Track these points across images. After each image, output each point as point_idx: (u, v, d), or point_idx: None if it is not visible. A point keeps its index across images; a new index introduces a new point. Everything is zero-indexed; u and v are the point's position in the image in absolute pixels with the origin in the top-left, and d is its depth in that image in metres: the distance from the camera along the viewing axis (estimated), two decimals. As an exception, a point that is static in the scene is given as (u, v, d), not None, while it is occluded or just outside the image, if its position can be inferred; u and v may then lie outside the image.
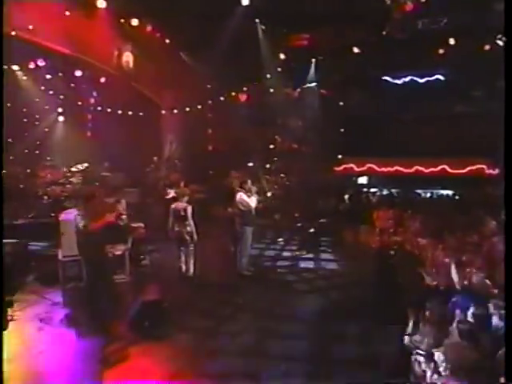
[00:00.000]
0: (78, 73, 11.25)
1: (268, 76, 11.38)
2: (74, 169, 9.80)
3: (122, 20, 10.02)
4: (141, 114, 12.52)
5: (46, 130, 13.11)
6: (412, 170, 14.40)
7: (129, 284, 5.96)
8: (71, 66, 11.17)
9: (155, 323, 4.66)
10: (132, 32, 10.50)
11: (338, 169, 14.67)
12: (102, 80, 11.91)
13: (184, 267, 6.19)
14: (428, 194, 14.06)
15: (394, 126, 13.29)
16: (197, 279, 6.14)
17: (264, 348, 4.34)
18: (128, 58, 10.98)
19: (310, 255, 7.86)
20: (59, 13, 8.52)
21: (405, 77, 14.76)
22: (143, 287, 5.74)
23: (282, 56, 11.93)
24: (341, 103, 11.80)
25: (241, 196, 6.29)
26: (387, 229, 8.39)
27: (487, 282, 4.26)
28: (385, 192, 13.83)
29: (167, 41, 11.13)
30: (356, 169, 14.96)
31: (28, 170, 9.83)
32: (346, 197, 11.97)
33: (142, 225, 6.64)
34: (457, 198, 12.57)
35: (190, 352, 4.25)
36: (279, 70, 11.64)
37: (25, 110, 12.48)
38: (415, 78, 14.73)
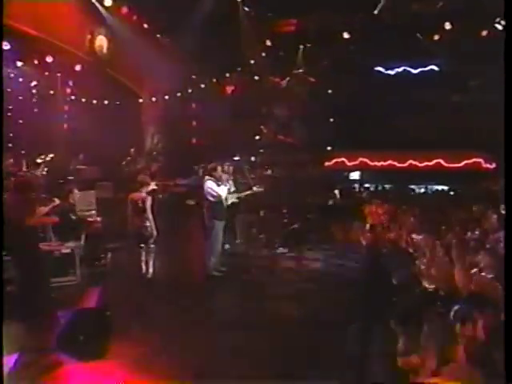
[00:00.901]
0: (49, 59, 10.28)
1: (252, 62, 10.46)
2: (38, 160, 8.89)
3: (94, 0, 9.08)
4: (117, 103, 11.57)
5: (21, 121, 12.12)
6: (406, 164, 13.59)
7: (77, 287, 5.07)
8: (42, 51, 10.21)
9: (92, 337, 3.74)
10: (106, 14, 9.59)
11: (328, 163, 13.89)
12: (78, 68, 10.96)
13: (144, 267, 5.28)
14: (422, 190, 13.32)
15: (387, 118, 12.47)
16: (157, 282, 5.23)
17: (227, 369, 3.44)
18: (102, 42, 10.05)
19: (292, 254, 6.98)
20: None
21: (398, 67, 13.98)
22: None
23: (268, 42, 11.05)
24: (329, 91, 10.91)
25: (209, 185, 5.37)
26: (379, 225, 7.63)
27: (498, 285, 3.38)
28: (377, 187, 13.09)
29: (144, 24, 10.21)
30: (348, 163, 14.17)
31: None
32: (337, 192, 11.17)
33: (98, 219, 5.73)
34: (452, 193, 11.84)
35: (135, 372, 3.35)
36: (264, 56, 10.75)
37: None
38: (408, 69, 13.98)
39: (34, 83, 11.23)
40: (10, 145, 9.28)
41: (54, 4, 8.63)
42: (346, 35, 10.75)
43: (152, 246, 5.22)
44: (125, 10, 9.84)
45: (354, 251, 6.65)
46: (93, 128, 11.21)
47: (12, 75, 10.95)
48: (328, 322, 4.27)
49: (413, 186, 13.22)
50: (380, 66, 13.07)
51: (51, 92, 11.36)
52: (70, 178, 8.56)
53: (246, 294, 5.06)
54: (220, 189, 5.40)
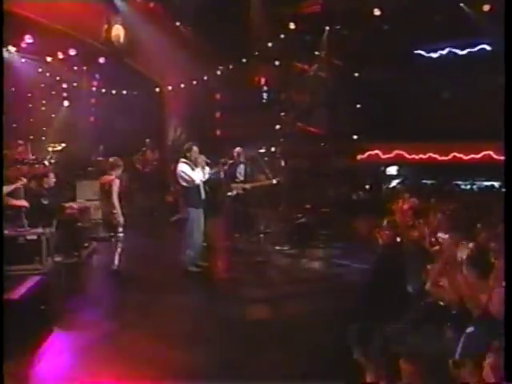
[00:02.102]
0: (73, 52, 10.29)
1: (269, 45, 9.63)
2: (49, 149, 8.88)
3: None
4: (135, 93, 11.35)
5: (53, 115, 12.43)
6: (449, 157, 11.97)
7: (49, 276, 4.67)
8: (66, 46, 10.25)
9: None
10: (121, 3, 9.34)
11: (361, 156, 12.66)
12: (101, 60, 10.91)
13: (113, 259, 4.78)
14: (468, 186, 11.68)
15: (428, 105, 11.00)
16: (124, 275, 4.68)
17: None
18: (118, 31, 9.81)
19: (293, 251, 6.12)
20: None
21: (442, 49, 12.34)
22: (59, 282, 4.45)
23: (291, 25, 10.16)
24: (356, 75, 9.76)
25: (182, 168, 4.72)
26: (401, 221, 6.56)
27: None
28: (416, 182, 11.67)
29: (162, 11, 9.83)
30: (382, 156, 12.82)
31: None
32: (367, 186, 10.08)
33: (74, 205, 5.33)
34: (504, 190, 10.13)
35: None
36: (286, 39, 9.90)
37: (29, 94, 11.87)
38: (454, 50, 12.27)
39: (58, 77, 11.32)
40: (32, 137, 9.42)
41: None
42: (376, 12, 9.53)
43: (120, 234, 4.69)
44: (141, -3, 9.56)
45: (366, 250, 5.69)
46: (112, 119, 11.16)
47: (40, 69, 11.21)
48: (303, 329, 3.45)
49: (459, 182, 11.70)
50: (420, 48, 11.59)
51: (74, 84, 11.42)
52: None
53: (219, 294, 4.36)
54: (195, 173, 4.73)
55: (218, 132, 12.46)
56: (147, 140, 10.42)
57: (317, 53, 9.93)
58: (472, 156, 11.18)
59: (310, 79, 10.34)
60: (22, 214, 5.01)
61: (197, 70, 10.50)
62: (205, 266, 5.00)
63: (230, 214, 6.99)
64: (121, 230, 4.69)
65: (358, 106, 9.82)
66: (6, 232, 4.57)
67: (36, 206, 4.96)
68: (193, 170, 4.77)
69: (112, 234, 4.76)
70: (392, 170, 13.00)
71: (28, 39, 9.57)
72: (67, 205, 5.36)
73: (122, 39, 10.08)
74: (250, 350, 3.25)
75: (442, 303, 3.15)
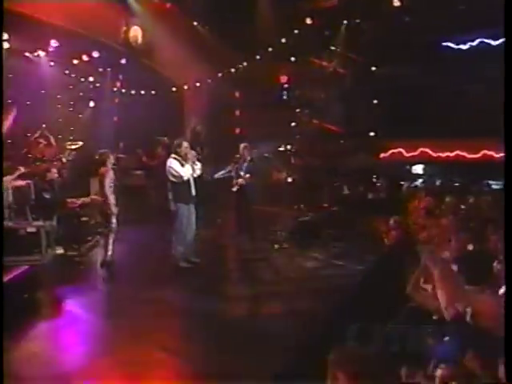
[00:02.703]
0: (96, 54, 10.73)
1: (285, 41, 9.51)
2: (69, 147, 9.32)
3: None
4: (153, 92, 11.64)
5: (80, 116, 13.04)
6: (479, 155, 11.25)
7: (41, 267, 4.90)
8: (89, 48, 10.69)
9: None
10: (137, 5, 9.63)
11: (384, 154, 12.22)
12: (123, 61, 11.29)
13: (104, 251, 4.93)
14: (500, 185, 10.92)
15: (451, 100, 10.42)
16: (117, 267, 4.81)
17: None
18: (136, 32, 10.13)
19: (292, 249, 6.00)
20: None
21: (472, 40, 11.60)
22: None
23: (308, 20, 9.99)
24: (374, 69, 9.41)
25: (170, 164, 4.77)
26: (418, 222, 6.33)
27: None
28: (441, 182, 11.09)
29: (177, 11, 10.02)
30: (405, 154, 12.29)
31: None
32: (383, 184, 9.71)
33: (75, 201, 5.54)
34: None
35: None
36: (301, 34, 9.75)
37: (59, 96, 12.50)
38: (486, 41, 11.49)
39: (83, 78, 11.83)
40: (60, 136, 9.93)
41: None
42: (396, 2, 9.16)
43: (113, 225, 4.82)
44: (157, -2, 9.80)
45: (369, 250, 5.49)
46: (132, 118, 11.54)
47: (67, 71, 11.77)
48: (282, 328, 3.37)
49: (490, 181, 10.97)
50: (446, 39, 10.97)
51: (97, 85, 11.89)
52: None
53: (204, 290, 4.36)
54: (183, 169, 4.76)
55: (238, 130, 12.53)
56: (164, 138, 10.65)
57: (333, 48, 9.68)
58: (502, 154, 10.44)
59: (326, 75, 10.13)
60: (26, 208, 5.28)
61: (213, 68, 10.62)
62: (196, 262, 5.03)
63: (234, 210, 7.03)
64: (114, 220, 4.82)
65: (375, 101, 9.45)
66: (8, 224, 4.85)
67: (38, 200, 5.22)
68: (182, 165, 4.81)
69: (106, 224, 4.91)
70: (418, 169, 12.46)
71: (54, 43, 10.07)
72: (69, 200, 5.58)
73: (139, 40, 10.44)
74: (226, 347, 3.22)
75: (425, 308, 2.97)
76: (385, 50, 8.99)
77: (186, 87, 11.46)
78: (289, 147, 10.51)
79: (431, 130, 10.40)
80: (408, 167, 12.25)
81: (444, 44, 11.43)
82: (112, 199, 4.78)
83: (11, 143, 9.43)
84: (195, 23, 10.70)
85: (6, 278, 3.68)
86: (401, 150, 12.22)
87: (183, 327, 3.76)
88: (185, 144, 4.93)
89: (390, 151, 12.22)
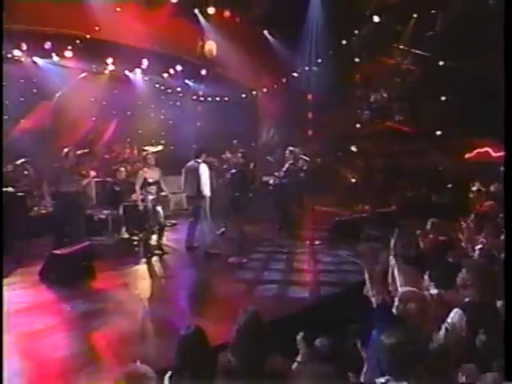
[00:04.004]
0: (179, 67, 12.52)
1: (344, 43, 9.80)
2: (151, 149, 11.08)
3: (197, 10, 10.59)
4: (226, 98, 12.94)
5: (170, 122, 15.13)
6: None
7: (105, 246, 6.39)
8: (172, 63, 12.51)
9: (61, 277, 4.87)
10: (211, 20, 10.99)
11: (469, 155, 11.40)
12: (203, 72, 12.90)
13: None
14: None
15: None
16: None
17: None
18: (211, 46, 11.50)
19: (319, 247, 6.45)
20: (135, 13, 9.67)
21: None
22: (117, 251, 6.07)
23: (375, 18, 10.08)
24: (440, 63, 9.00)
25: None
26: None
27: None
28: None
29: (246, 22, 11.11)
30: (493, 154, 11.24)
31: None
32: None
33: (138, 194, 6.89)
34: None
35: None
36: (369, 34, 9.90)
37: (152, 106, 14.75)
38: None
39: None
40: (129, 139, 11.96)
41: (168, 20, 10.50)
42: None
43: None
44: (227, 13, 11.00)
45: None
46: (208, 123, 13.04)
47: (157, 85, 13.90)
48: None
49: None
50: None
51: (180, 95, 13.75)
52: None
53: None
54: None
55: (310, 132, 13.10)
56: (234, 141, 11.84)
57: (396, 45, 9.60)
58: None
59: (393, 73, 10.04)
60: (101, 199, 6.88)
61: (285, 72, 11.50)
62: (217, 252, 6.01)
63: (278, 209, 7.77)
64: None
65: (443, 98, 9.04)
66: (87, 211, 6.46)
67: (109, 193, 6.77)
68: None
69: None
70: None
71: (145, 62, 12.12)
72: (134, 194, 7.00)
73: (214, 53, 11.82)
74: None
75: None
76: (453, 44, 8.60)
77: (259, 92, 12.54)
78: (353, 148, 10.70)
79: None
80: (502, 168, 11.20)
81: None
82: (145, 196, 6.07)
83: (108, 148, 11.76)
84: (265, 31, 11.68)
85: (73, 249, 5.14)
86: (487, 149, 11.31)
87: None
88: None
89: (476, 151, 11.38)
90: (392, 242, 3.43)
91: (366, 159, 10.34)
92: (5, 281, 4.89)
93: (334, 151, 11.32)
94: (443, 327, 2.80)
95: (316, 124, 12.32)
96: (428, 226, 6.05)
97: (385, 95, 9.89)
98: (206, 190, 6.35)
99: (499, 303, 2.97)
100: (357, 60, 10.27)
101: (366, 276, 3.07)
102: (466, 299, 2.96)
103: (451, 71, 8.66)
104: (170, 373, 2.14)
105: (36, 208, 7.07)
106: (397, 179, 9.69)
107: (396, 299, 2.88)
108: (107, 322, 3.89)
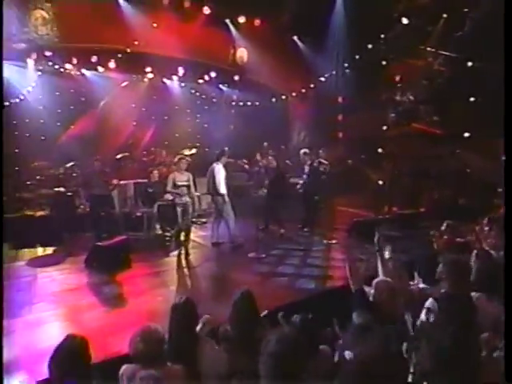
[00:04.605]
0: (213, 74, 13.37)
1: (370, 47, 10.13)
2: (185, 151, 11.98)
3: (228, 20, 11.37)
4: (257, 103, 13.62)
5: (205, 125, 16.07)
6: None
7: (141, 241, 7.27)
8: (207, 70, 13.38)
9: (102, 265, 5.75)
10: (242, 29, 11.74)
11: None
12: (236, 78, 13.67)
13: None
14: None
15: None
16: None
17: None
18: (242, 53, 12.26)
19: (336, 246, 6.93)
20: (170, 26, 10.59)
21: None
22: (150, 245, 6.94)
23: (404, 20, 10.34)
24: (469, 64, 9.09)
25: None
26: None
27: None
28: None
29: (277, 29, 11.73)
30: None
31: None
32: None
33: (169, 195, 7.71)
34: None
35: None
36: (398, 35, 10.18)
37: (188, 110, 15.76)
38: None
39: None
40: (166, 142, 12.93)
41: (201, 31, 11.34)
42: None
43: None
44: (257, 21, 11.69)
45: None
46: (241, 126, 13.79)
47: (193, 90, 14.85)
48: None
49: None
50: None
51: (214, 100, 14.60)
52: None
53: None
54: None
55: (340, 134, 13.47)
56: (265, 144, 12.50)
57: (424, 46, 9.79)
58: None
59: (421, 75, 10.22)
60: (138, 199, 7.79)
61: (309, 77, 12.01)
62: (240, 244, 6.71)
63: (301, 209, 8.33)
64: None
65: (472, 99, 9.11)
66: (125, 210, 7.38)
67: (143, 193, 7.67)
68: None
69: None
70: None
71: (181, 70, 13.08)
72: (166, 195, 7.83)
73: (245, 59, 12.55)
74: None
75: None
76: (481, 44, 8.69)
77: (288, 96, 13.13)
78: (380, 150, 10.97)
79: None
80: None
81: None
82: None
83: (146, 151, 12.83)
84: (295, 37, 12.25)
85: (112, 241, 6.04)
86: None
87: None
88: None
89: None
90: (376, 238, 3.90)
91: (393, 161, 10.57)
92: (57, 267, 5.89)
93: (361, 153, 11.65)
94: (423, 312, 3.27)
95: (345, 126, 12.71)
96: (443, 228, 6.37)
97: (411, 97, 10.08)
98: (222, 189, 6.96)
99: (475, 295, 3.35)
100: (384, 63, 10.53)
101: (347, 268, 3.58)
102: (442, 290, 3.39)
103: (480, 72, 8.75)
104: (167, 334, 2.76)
105: (82, 206, 8.13)
106: (424, 181, 9.86)
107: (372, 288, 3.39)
108: (139, 302, 4.68)
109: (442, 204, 9.19)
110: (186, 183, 6.85)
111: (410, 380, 2.53)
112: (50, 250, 6.78)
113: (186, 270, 6.02)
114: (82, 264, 5.88)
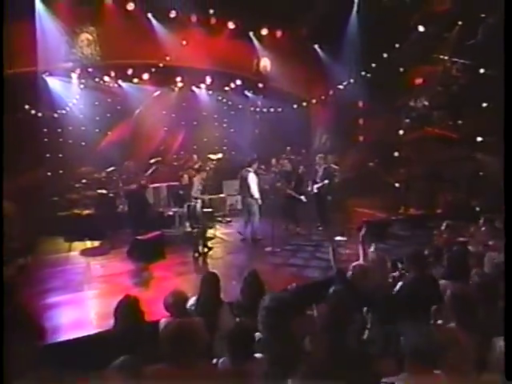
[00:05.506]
0: (239, 82, 14.49)
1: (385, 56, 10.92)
2: (212, 156, 13.14)
3: (251, 33, 12.47)
4: (279, 109, 14.62)
5: (232, 130, 17.18)
6: None
7: (174, 237, 8.47)
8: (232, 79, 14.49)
9: (141, 256, 6.96)
10: (265, 40, 12.82)
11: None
12: (260, 85, 14.74)
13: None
14: None
15: None
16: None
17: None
18: (265, 62, 13.32)
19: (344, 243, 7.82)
20: (198, 41, 11.80)
21: None
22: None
23: (420, 28, 11.05)
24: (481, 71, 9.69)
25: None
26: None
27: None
28: None
29: (297, 38, 12.71)
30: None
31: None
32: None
33: (196, 195, 8.82)
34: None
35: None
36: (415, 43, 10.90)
37: (216, 116, 16.94)
38: None
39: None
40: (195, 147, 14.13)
41: (227, 43, 12.46)
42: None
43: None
44: (279, 33, 12.70)
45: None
46: (263, 131, 14.83)
47: (219, 97, 16.02)
48: None
49: None
50: None
51: (239, 106, 15.72)
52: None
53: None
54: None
55: (361, 138, 14.26)
56: (288, 148, 13.46)
57: (441, 54, 10.47)
58: None
59: (437, 81, 10.87)
60: (170, 199, 9.01)
61: (328, 84, 12.94)
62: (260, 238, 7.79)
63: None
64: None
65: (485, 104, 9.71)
66: (159, 209, 8.61)
67: (175, 195, 8.86)
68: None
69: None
70: None
71: (208, 78, 14.28)
72: (195, 195, 8.97)
73: (268, 68, 13.59)
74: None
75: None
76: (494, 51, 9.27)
77: (309, 103, 14.08)
78: (396, 154, 11.71)
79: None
80: None
81: None
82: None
83: (177, 155, 14.10)
84: (316, 45, 13.17)
85: (149, 236, 7.25)
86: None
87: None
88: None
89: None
90: (362, 232, 4.84)
91: (409, 165, 11.28)
92: (104, 257, 7.17)
93: (378, 157, 12.40)
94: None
95: (364, 130, 13.50)
96: (442, 227, 7.16)
97: (426, 103, 10.77)
98: (256, 194, 8.06)
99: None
100: (401, 70, 11.26)
101: (331, 255, 4.55)
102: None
103: (492, 78, 9.35)
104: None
105: (121, 206, 9.44)
106: (437, 184, 10.53)
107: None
108: (172, 285, 5.81)
109: (455, 206, 9.84)
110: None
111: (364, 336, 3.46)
112: (96, 243, 8.13)
113: (209, 261, 7.14)
114: (124, 255, 7.12)
